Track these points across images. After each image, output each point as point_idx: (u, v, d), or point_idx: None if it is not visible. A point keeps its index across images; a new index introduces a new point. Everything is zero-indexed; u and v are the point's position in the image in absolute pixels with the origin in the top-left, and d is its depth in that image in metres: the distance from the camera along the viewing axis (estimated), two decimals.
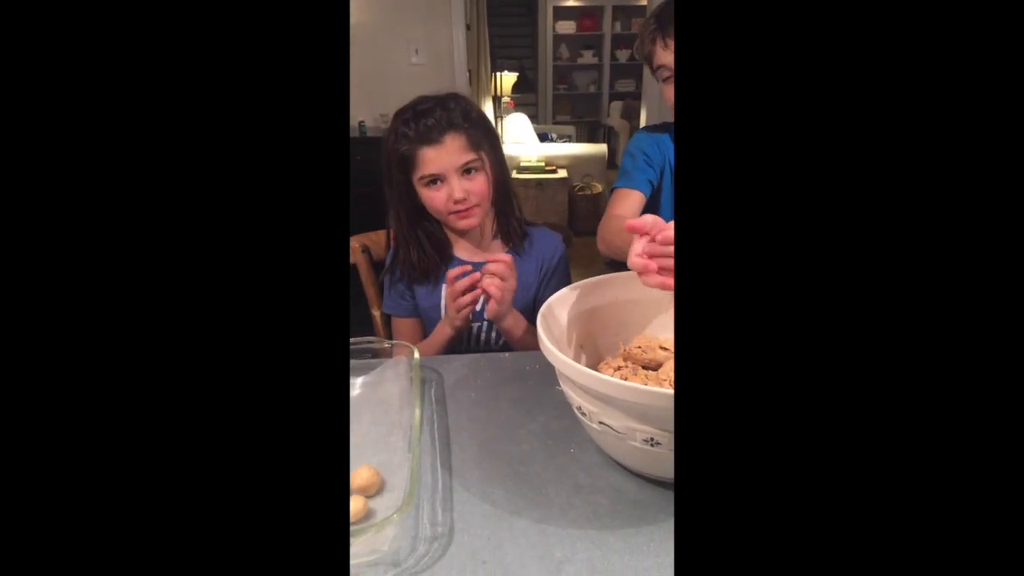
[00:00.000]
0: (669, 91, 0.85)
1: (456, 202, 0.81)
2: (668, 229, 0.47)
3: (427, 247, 0.88)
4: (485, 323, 0.89)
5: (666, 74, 0.84)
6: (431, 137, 0.78)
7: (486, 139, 0.82)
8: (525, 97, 5.50)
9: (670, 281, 0.48)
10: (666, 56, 0.82)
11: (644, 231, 0.49)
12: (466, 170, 0.81)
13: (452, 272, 0.75)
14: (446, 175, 0.80)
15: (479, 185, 0.82)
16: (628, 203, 0.91)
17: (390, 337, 0.95)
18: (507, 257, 0.75)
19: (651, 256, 0.49)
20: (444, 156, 0.79)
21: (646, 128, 0.99)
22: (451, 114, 0.79)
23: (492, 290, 0.74)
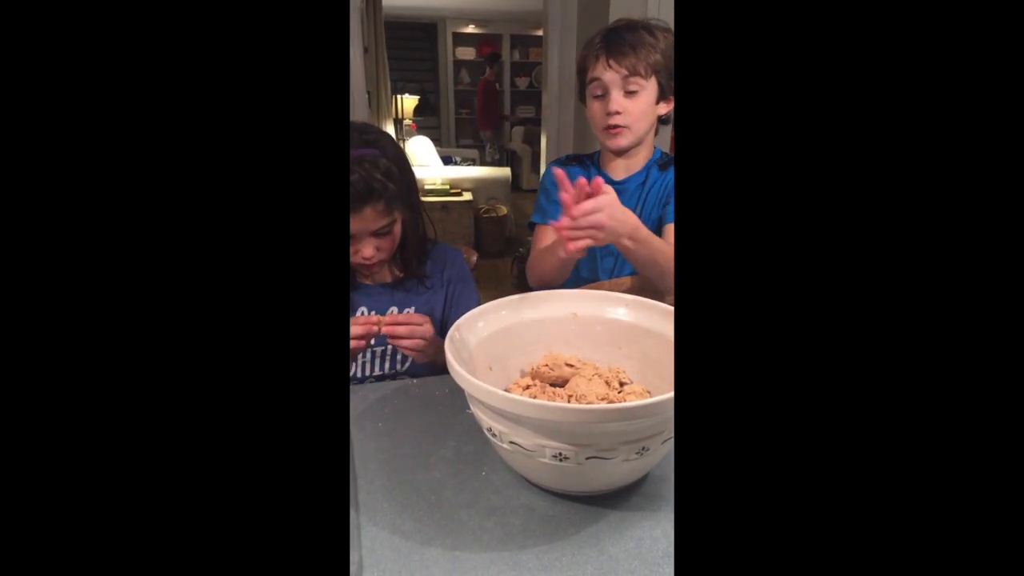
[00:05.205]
0: (595, 107, 0.89)
1: (364, 258, 0.80)
2: (579, 208, 0.64)
3: None
4: (370, 353, 0.87)
5: (597, 91, 0.88)
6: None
7: (402, 198, 0.81)
8: (428, 120, 5.52)
9: (572, 246, 0.66)
10: (603, 72, 0.86)
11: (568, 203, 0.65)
12: (378, 233, 0.80)
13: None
14: (358, 236, 0.79)
15: (388, 243, 0.82)
16: (549, 236, 0.96)
17: None
18: (416, 318, 0.76)
19: (567, 228, 0.65)
20: (358, 223, 0.77)
21: (556, 161, 1.05)
22: (370, 179, 0.75)
23: (408, 351, 0.76)
